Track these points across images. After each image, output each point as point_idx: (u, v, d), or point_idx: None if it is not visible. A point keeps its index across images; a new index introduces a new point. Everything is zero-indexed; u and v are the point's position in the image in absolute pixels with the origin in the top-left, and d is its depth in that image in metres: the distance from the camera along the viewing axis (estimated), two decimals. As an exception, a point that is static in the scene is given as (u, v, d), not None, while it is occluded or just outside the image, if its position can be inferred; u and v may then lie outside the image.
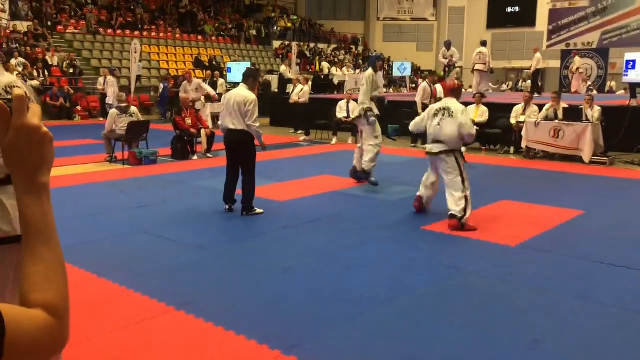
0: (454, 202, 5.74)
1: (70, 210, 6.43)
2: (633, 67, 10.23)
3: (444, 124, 5.85)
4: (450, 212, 5.75)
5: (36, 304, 0.85)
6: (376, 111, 7.74)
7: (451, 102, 6.00)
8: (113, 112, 10.07)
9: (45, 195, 0.92)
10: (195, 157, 10.37)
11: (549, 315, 3.66)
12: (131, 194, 7.44)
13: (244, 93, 6.28)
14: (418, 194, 6.43)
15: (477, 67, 14.93)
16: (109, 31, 23.24)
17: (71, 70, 19.73)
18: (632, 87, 11.40)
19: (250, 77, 6.53)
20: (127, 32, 23.62)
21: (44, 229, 0.90)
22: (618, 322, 3.58)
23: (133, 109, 10.37)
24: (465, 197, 5.73)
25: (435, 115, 6.00)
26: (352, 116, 8.15)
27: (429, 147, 6.06)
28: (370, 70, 7.93)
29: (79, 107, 18.78)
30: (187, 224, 5.94)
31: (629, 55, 10.60)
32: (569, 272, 4.51)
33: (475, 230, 5.65)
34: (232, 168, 6.46)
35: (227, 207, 6.43)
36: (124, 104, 10.28)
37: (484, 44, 15.45)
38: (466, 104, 11.78)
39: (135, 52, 19.62)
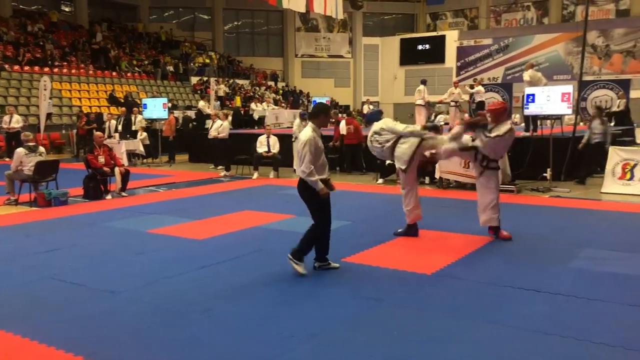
0: None
1: (-32, 259, 5.98)
2: (533, 101, 10.94)
3: None
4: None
5: None
6: None
7: None
8: (21, 151, 9.56)
9: None
10: (109, 197, 9.98)
11: (463, 343, 3.75)
12: (38, 237, 7.02)
13: None
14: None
15: (417, 103, 16.35)
16: (16, 67, 22.23)
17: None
18: (533, 120, 12.21)
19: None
20: (36, 68, 22.70)
21: None
22: (528, 345, 3.72)
23: (41, 148, 9.91)
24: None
25: None
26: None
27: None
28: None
29: (-18, 147, 17.70)
30: (99, 267, 5.67)
31: (528, 90, 11.34)
32: (482, 297, 4.67)
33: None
34: None
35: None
36: (32, 143, 9.81)
37: (423, 82, 16.67)
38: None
39: (45, 89, 18.88)
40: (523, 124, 14.36)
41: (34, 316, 4.31)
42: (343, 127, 13.57)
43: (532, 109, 11.09)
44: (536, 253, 6.08)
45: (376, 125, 6.97)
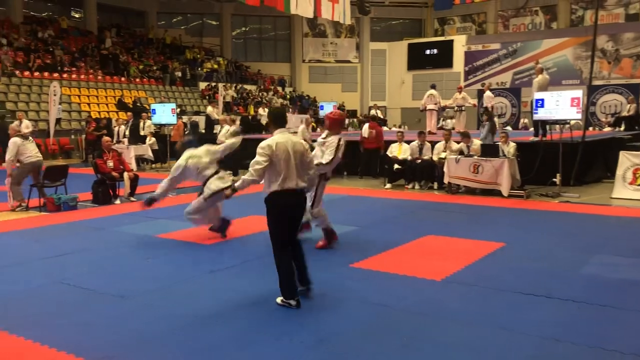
0: None
1: (-21, 263, 6.01)
2: (542, 106, 10.88)
3: None
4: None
5: None
6: None
7: None
8: (17, 140, 9.35)
9: None
10: (117, 202, 10.02)
11: (474, 350, 3.72)
12: (47, 242, 7.05)
13: None
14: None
15: (429, 107, 16.32)
16: (26, 73, 22.41)
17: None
18: (542, 125, 12.14)
19: None
20: (46, 74, 22.87)
21: None
22: (539, 352, 3.69)
23: (30, 137, 9.95)
24: None
25: None
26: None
27: None
28: None
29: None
30: (109, 272, 5.68)
31: (537, 95, 11.28)
32: (492, 304, 4.64)
33: None
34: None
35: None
36: (22, 133, 9.77)
37: (433, 87, 16.84)
38: (393, 142, 12.32)
39: (55, 95, 19.02)
40: (532, 129, 14.29)
41: (44, 321, 4.32)
42: (365, 130, 13.55)
43: (541, 114, 11.03)
44: (546, 259, 6.03)
45: (197, 151, 7.20)
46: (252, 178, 4.74)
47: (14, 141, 9.36)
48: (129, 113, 19.03)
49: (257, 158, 4.66)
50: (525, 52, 31.30)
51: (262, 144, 4.69)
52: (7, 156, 9.33)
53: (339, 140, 6.48)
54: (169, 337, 3.98)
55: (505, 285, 5.10)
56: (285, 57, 36.52)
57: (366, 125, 13.78)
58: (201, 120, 20.58)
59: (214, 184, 6.94)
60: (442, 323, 4.22)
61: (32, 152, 9.43)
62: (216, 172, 7.12)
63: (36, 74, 22.71)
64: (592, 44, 13.39)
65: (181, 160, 7.15)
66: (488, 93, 16.99)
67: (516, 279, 5.29)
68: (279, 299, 4.60)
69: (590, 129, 19.79)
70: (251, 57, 36.05)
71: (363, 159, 13.64)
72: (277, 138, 4.72)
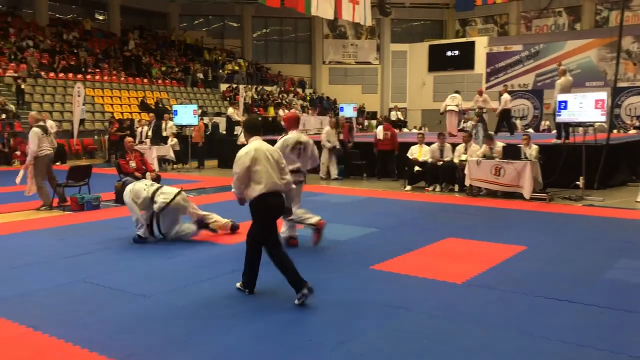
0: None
1: (4, 261, 6.13)
2: (565, 108, 10.74)
3: None
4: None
5: None
6: None
7: None
8: (38, 130, 9.32)
9: None
10: (140, 202, 10.11)
11: (494, 354, 3.69)
12: (71, 241, 7.16)
13: None
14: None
15: (449, 107, 16.43)
16: (51, 74, 22.80)
17: (3, 116, 19.12)
18: (565, 127, 11.98)
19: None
20: (70, 75, 23.25)
21: None
22: (560, 357, 3.64)
23: (50, 129, 10.01)
24: None
25: None
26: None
27: None
28: None
29: (18, 152, 18.14)
30: (131, 271, 5.75)
31: (561, 97, 11.13)
32: (514, 307, 4.59)
33: None
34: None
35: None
36: (42, 123, 9.86)
37: (457, 92, 17.24)
38: (413, 144, 12.30)
39: (79, 96, 19.34)
40: (555, 131, 14.12)
41: (69, 318, 4.39)
42: (380, 132, 13.59)
43: (564, 116, 10.89)
44: (569, 263, 5.96)
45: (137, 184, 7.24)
46: (236, 193, 5.07)
47: (35, 132, 9.31)
48: (151, 114, 19.25)
49: (235, 170, 4.89)
50: (548, 54, 30.95)
51: (241, 152, 4.93)
52: (32, 147, 9.25)
53: (287, 137, 6.50)
54: (190, 337, 4.02)
55: (527, 289, 5.05)
56: (306, 59, 36.62)
57: (380, 127, 13.82)
58: (222, 122, 20.77)
59: (159, 201, 6.95)
60: (463, 326, 4.19)
61: (47, 144, 9.52)
62: (158, 189, 7.08)
63: (61, 75, 23.10)
64: (617, 45, 13.20)
65: (127, 199, 7.07)
66: (506, 95, 16.84)
67: (538, 283, 5.23)
68: (296, 300, 4.63)
69: (615, 131, 19.50)
70: (272, 59, 36.23)
71: (379, 161, 13.68)
72: (255, 144, 5.00)
